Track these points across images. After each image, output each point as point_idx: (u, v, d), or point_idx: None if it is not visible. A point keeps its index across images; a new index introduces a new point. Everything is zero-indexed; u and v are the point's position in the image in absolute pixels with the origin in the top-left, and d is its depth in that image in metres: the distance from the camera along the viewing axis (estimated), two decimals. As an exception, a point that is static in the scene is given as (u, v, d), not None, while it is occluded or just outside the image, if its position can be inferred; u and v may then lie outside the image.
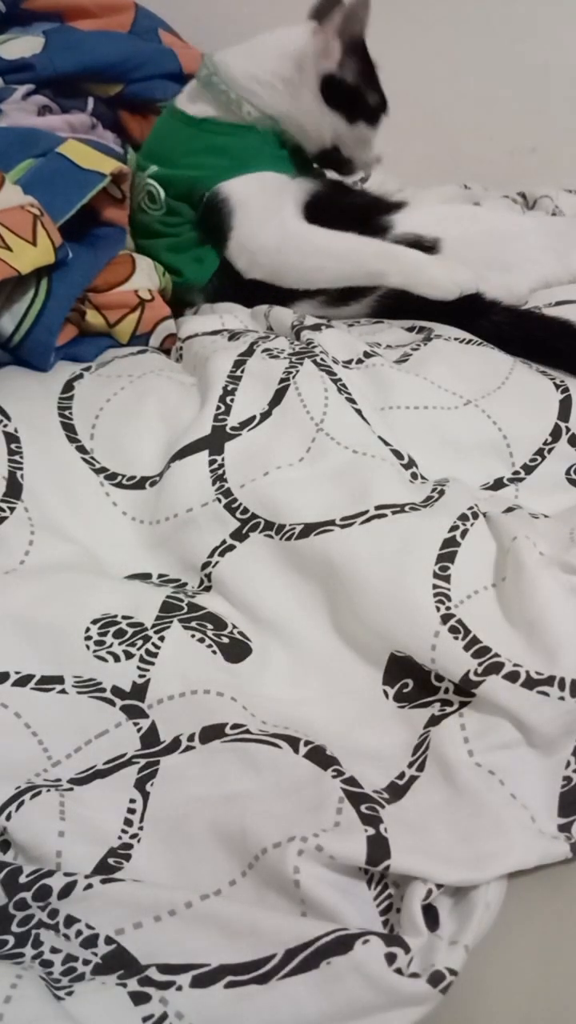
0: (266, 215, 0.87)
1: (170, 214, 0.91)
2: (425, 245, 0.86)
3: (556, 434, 0.70)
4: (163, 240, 0.91)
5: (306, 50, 0.89)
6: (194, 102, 0.93)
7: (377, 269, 0.84)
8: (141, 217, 0.92)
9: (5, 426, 0.67)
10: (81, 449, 0.68)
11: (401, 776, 0.50)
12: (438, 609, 0.53)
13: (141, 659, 0.55)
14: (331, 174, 1.00)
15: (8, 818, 0.46)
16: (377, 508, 0.59)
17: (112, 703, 0.53)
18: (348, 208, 0.92)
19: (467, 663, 0.51)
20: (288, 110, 0.91)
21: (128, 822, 0.47)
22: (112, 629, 0.56)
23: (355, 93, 0.91)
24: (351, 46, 0.88)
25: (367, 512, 0.59)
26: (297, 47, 0.89)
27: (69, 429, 0.69)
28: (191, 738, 0.51)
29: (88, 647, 0.55)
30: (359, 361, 0.74)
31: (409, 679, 0.54)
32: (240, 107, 0.90)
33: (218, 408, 0.68)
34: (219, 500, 0.63)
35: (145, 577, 0.63)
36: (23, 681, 0.53)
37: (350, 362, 0.74)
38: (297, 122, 0.92)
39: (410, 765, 0.50)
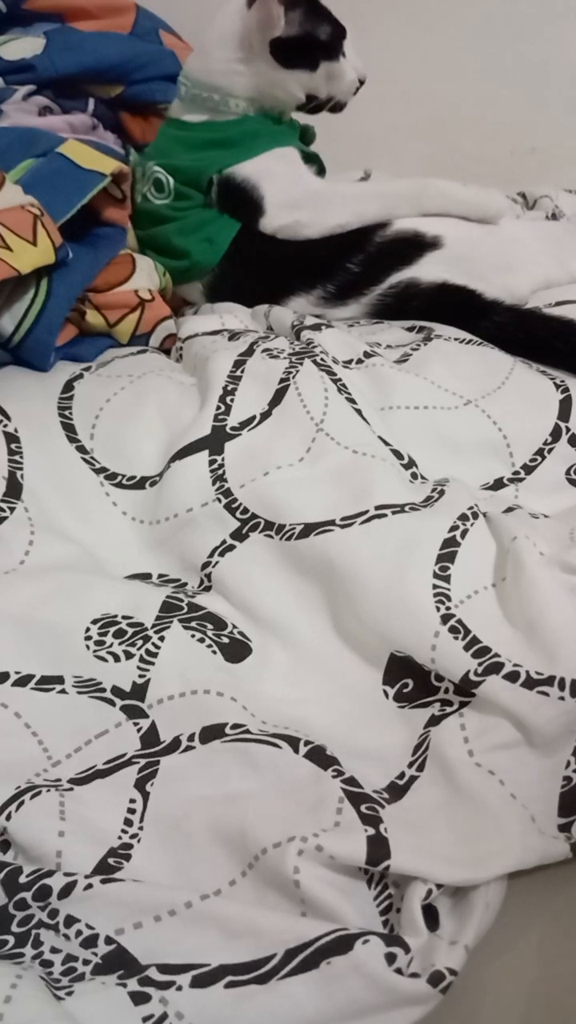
0: (292, 177, 0.89)
1: (179, 199, 0.91)
2: (426, 242, 0.86)
3: (556, 434, 0.70)
4: (172, 224, 0.91)
5: (248, 26, 0.89)
6: (188, 112, 0.94)
7: (414, 193, 0.87)
8: (146, 207, 0.93)
9: (5, 426, 0.67)
10: (81, 449, 0.68)
11: (401, 776, 0.50)
12: (438, 609, 0.53)
13: (141, 659, 0.55)
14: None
15: (8, 818, 0.46)
16: (377, 508, 0.59)
17: (112, 703, 0.53)
18: None
19: (467, 663, 0.51)
20: (256, 86, 0.91)
21: (128, 822, 0.47)
22: (112, 629, 0.56)
23: (305, 41, 0.90)
24: (290, 1, 0.87)
25: (367, 512, 0.59)
26: (235, 27, 0.90)
27: (69, 429, 0.69)
28: (191, 738, 0.51)
29: (88, 647, 0.55)
30: (359, 361, 0.74)
31: (409, 679, 0.54)
32: (228, 105, 0.92)
33: (218, 408, 0.68)
34: (219, 500, 0.63)
35: (145, 577, 0.63)
36: (23, 681, 0.53)
37: (350, 362, 0.74)
38: (266, 94, 0.92)
39: (410, 765, 0.50)
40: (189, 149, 0.92)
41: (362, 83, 0.95)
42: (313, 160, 0.96)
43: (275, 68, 0.90)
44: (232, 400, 0.68)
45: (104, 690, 0.54)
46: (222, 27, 0.91)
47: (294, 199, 0.87)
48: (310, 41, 0.90)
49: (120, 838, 0.47)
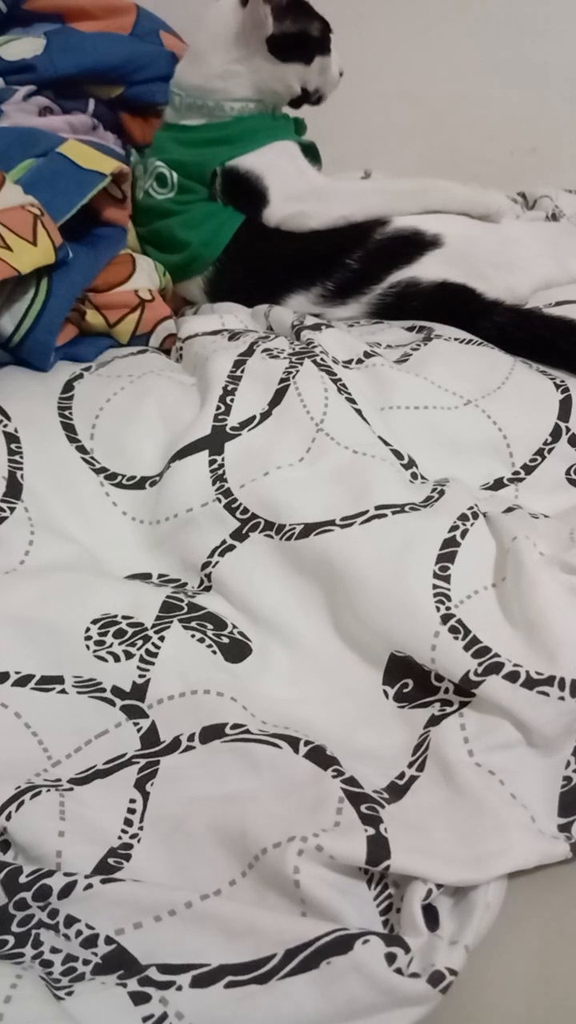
0: (295, 171, 0.91)
1: (182, 192, 0.92)
2: (426, 240, 0.86)
3: (556, 434, 0.70)
4: (176, 218, 0.92)
5: (242, 27, 0.91)
6: (184, 117, 0.95)
7: (417, 189, 0.90)
8: (148, 202, 0.93)
9: (5, 426, 0.67)
10: (81, 449, 0.68)
11: (401, 776, 0.50)
12: (438, 609, 0.53)
13: (141, 659, 0.55)
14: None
15: (8, 818, 0.46)
16: (377, 508, 0.59)
17: (112, 703, 0.53)
18: None
19: (467, 663, 0.51)
20: (255, 84, 0.93)
21: (128, 822, 0.47)
22: (112, 629, 0.56)
23: (300, 37, 0.93)
24: (279, 4, 0.89)
25: (367, 512, 0.59)
26: (231, 28, 0.92)
27: (69, 429, 0.69)
28: (191, 738, 0.51)
29: (88, 647, 0.55)
30: (359, 361, 0.74)
31: (409, 679, 0.54)
32: (223, 109, 0.93)
33: (218, 408, 0.68)
34: (219, 500, 0.63)
35: (145, 577, 0.63)
36: (23, 681, 0.53)
37: (350, 362, 0.74)
38: (266, 89, 0.94)
39: (410, 765, 0.50)
40: (189, 147, 0.93)
41: (341, 75, 0.99)
42: (310, 150, 0.97)
43: (273, 63, 0.92)
44: (232, 400, 0.68)
45: (104, 690, 0.54)
46: (215, 29, 0.93)
47: (298, 192, 0.89)
48: (304, 37, 0.93)
49: (120, 838, 0.47)
